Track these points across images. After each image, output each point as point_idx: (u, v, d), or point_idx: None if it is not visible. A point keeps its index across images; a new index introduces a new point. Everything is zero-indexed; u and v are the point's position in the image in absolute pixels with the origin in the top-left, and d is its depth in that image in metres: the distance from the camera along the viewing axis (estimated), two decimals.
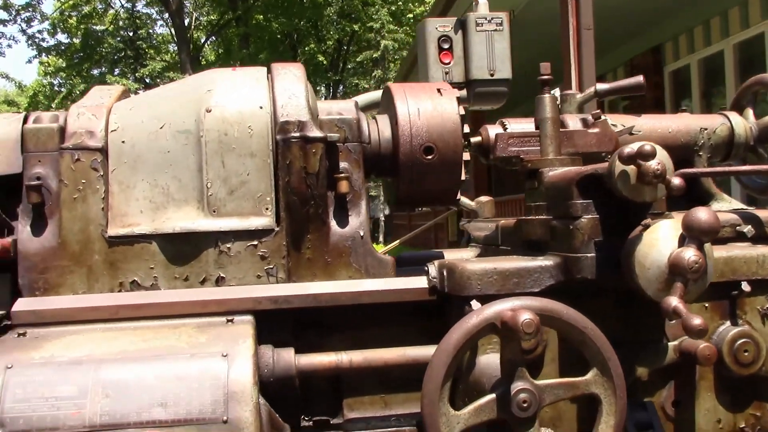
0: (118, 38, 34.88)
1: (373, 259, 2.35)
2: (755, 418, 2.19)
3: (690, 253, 1.76)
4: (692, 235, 1.78)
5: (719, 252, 2.13)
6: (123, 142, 2.28)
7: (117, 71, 35.28)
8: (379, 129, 2.45)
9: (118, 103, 2.39)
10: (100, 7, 33.05)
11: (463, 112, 2.44)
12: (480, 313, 1.86)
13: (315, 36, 38.46)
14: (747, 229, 2.32)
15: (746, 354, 2.11)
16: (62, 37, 33.44)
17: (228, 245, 2.24)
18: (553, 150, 2.33)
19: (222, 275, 2.24)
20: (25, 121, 2.31)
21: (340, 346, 2.26)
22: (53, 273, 2.21)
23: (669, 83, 15.96)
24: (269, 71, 2.40)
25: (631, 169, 1.86)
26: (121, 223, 2.24)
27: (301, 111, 2.26)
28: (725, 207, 2.59)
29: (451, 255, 2.85)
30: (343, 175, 2.30)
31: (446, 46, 3.06)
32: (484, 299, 2.05)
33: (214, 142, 2.24)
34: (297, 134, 2.22)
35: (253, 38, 35.50)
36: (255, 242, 2.25)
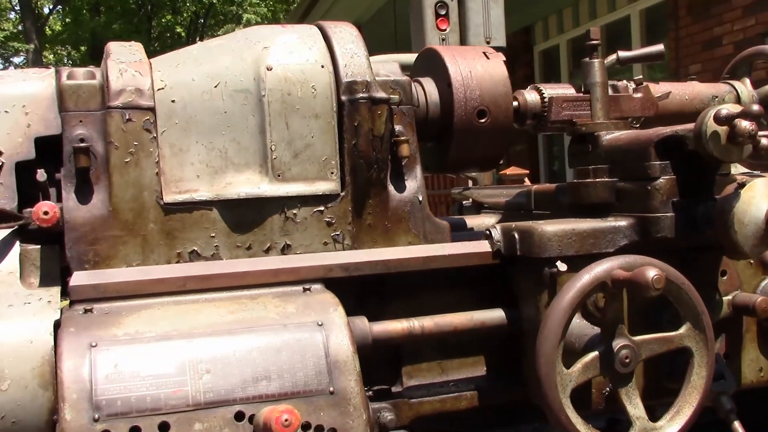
0: None
1: (431, 224, 2.31)
2: None
3: None
4: None
5: None
6: (173, 101, 2.10)
7: None
8: (426, 92, 2.41)
9: (159, 59, 2.21)
10: None
11: None
12: (591, 272, 1.88)
13: (170, 7, 37.05)
14: None
15: None
16: None
17: (294, 211, 2.13)
18: (603, 114, 2.38)
19: (288, 243, 2.13)
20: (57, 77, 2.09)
21: (399, 313, 2.22)
22: (104, 244, 2.01)
23: (539, 62, 16.58)
24: (321, 30, 2.29)
25: (722, 129, 1.93)
26: (176, 189, 2.08)
27: (365, 71, 2.18)
28: (734, 171, 2.74)
29: (471, 222, 2.86)
30: (403, 138, 2.24)
31: (443, 12, 3.03)
32: (563, 260, 2.08)
33: (277, 102, 2.12)
34: (365, 95, 2.14)
35: (105, 8, 33.71)
36: (321, 208, 2.15)
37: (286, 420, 1.61)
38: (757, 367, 2.32)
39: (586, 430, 1.87)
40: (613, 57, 2.75)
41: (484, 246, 2.25)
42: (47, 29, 36.79)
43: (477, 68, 2.38)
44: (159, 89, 2.11)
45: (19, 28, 33.83)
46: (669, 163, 2.08)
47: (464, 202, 3.33)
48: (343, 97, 2.15)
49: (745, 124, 1.90)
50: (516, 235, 2.16)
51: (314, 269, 2.08)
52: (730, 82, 2.84)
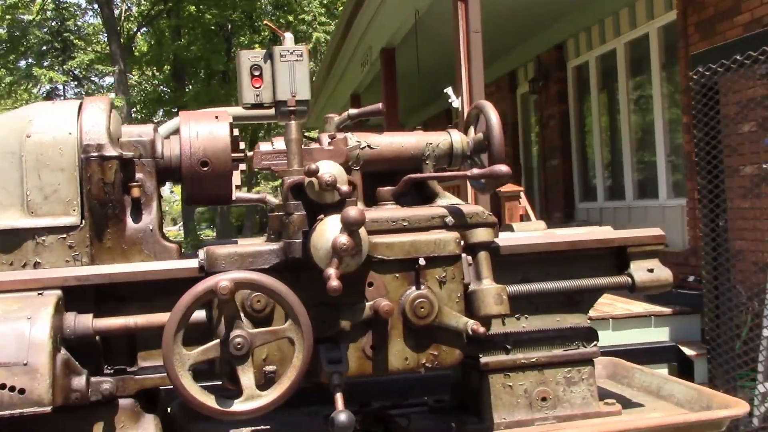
0: (45, 29, 34.39)
1: (160, 246, 3.12)
2: (434, 356, 3.02)
3: (342, 239, 2.58)
4: (344, 225, 2.60)
5: (408, 237, 2.96)
6: None
7: (45, 63, 34.84)
8: (170, 147, 3.22)
9: None
10: None
11: (235, 134, 3.23)
12: (205, 283, 2.65)
13: (250, 27, 38.43)
14: (448, 219, 3.15)
15: (422, 309, 2.92)
16: None
17: (43, 238, 2.99)
18: (297, 163, 3.13)
19: (39, 261, 2.99)
20: None
21: (135, 313, 3.02)
22: None
23: (572, 78, 16.95)
24: (80, 104, 3.15)
25: (315, 179, 2.67)
26: None
27: (101, 136, 3.01)
28: (445, 203, 3.41)
29: (243, 242, 3.64)
30: (135, 183, 3.07)
31: (257, 73, 3.80)
32: None
33: (32, 160, 2.99)
34: (96, 153, 2.98)
35: (186, 30, 35.38)
36: (64, 235, 3.00)
37: None
38: (403, 357, 3.00)
39: (200, 395, 2.63)
40: (345, 114, 3.49)
41: (194, 263, 3.04)
42: (135, 50, 38.88)
43: (204, 129, 3.18)
44: None
45: (107, 51, 36.03)
46: (300, 203, 2.82)
47: None
48: (82, 156, 3.00)
49: (324, 176, 2.64)
50: (206, 255, 2.94)
51: (54, 280, 2.92)
52: (449, 130, 3.52)
